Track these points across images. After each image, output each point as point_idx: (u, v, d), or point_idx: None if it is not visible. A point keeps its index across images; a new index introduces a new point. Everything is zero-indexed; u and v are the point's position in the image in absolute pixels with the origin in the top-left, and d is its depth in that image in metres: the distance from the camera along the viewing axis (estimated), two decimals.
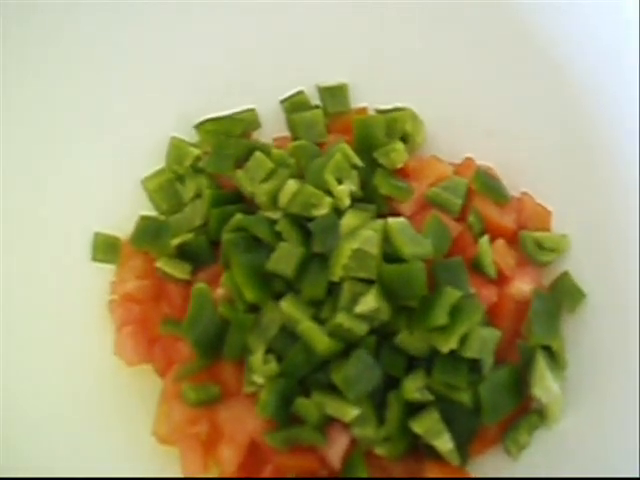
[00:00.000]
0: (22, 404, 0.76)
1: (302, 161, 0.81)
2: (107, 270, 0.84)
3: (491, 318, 0.76)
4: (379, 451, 0.73)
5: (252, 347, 0.75)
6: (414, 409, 0.73)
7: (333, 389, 0.73)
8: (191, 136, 0.88)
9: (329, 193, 0.77)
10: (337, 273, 0.73)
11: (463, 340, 0.71)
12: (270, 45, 0.90)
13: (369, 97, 0.89)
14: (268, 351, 0.75)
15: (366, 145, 0.82)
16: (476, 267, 0.77)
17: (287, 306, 0.74)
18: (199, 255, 0.82)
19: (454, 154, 0.85)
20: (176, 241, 0.81)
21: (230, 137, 0.86)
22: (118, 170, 0.86)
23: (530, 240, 0.79)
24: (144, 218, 0.85)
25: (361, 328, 0.72)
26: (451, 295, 0.71)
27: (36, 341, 0.79)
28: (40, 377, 0.78)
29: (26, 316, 0.79)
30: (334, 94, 0.89)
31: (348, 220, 0.75)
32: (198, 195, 0.84)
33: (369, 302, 0.71)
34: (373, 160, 0.82)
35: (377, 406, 0.73)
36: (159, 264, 0.81)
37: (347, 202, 0.77)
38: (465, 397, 0.72)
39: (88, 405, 0.79)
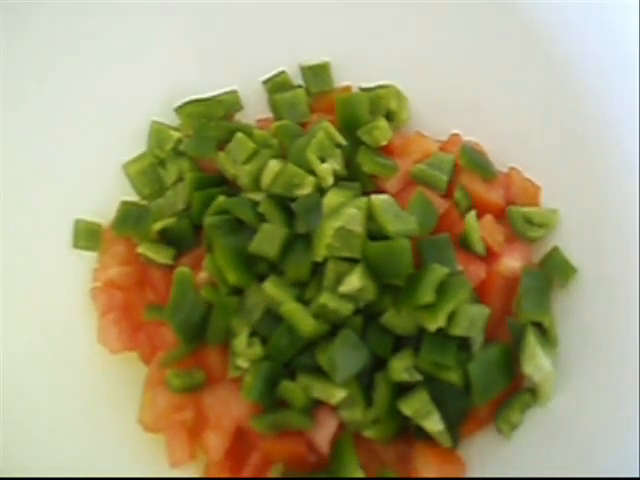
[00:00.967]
0: (6, 393, 0.74)
1: (285, 141, 0.80)
2: (89, 257, 0.83)
3: (480, 295, 0.74)
4: (368, 434, 0.72)
5: (236, 331, 0.74)
6: (403, 390, 0.72)
7: (319, 371, 0.72)
8: (172, 119, 0.87)
9: (312, 173, 0.75)
10: (321, 253, 0.71)
11: (451, 318, 0.70)
12: (252, 26, 0.88)
13: (353, 75, 0.87)
14: (252, 334, 0.74)
15: (350, 123, 0.81)
16: (464, 244, 0.75)
17: (270, 288, 0.72)
18: (182, 239, 0.80)
19: (440, 131, 0.84)
20: (158, 226, 0.80)
21: (211, 119, 0.85)
22: (99, 155, 0.85)
23: (519, 216, 0.78)
24: (125, 203, 0.83)
25: (346, 308, 0.70)
26: (437, 272, 0.70)
27: (18, 329, 0.78)
28: (23, 366, 0.77)
29: (7, 304, 0.78)
30: (317, 73, 0.88)
31: (331, 199, 0.73)
32: (180, 179, 0.83)
33: (353, 282, 0.70)
34: (357, 138, 0.80)
35: (365, 388, 0.72)
36: (141, 249, 0.80)
37: (330, 181, 0.76)
38: (454, 377, 0.71)
39: (73, 393, 0.78)
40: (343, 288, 0.70)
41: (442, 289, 0.70)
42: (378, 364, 0.72)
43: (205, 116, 0.85)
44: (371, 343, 0.72)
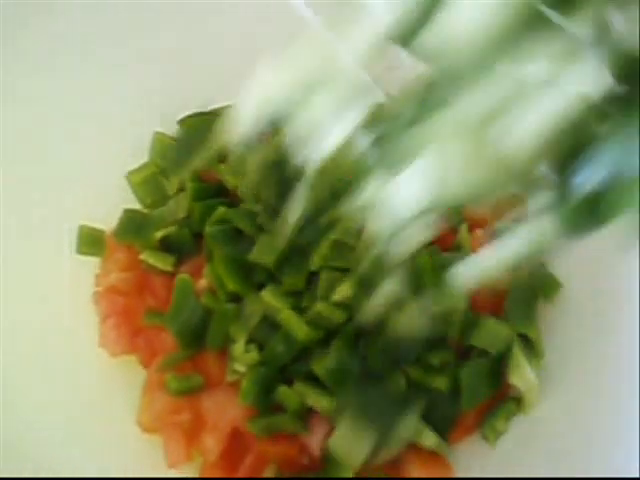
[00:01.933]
0: (6, 393, 0.77)
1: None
2: (92, 263, 0.85)
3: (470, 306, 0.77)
4: None
5: (234, 336, 0.76)
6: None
7: (315, 379, 0.74)
8: (175, 131, 0.90)
9: None
10: (316, 263, 0.74)
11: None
12: (256, 43, 0.91)
13: None
14: (250, 340, 0.76)
15: None
16: None
17: (268, 296, 0.75)
18: (182, 247, 0.83)
19: None
20: (160, 234, 0.83)
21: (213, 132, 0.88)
22: (103, 165, 0.87)
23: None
24: (128, 211, 0.86)
25: (340, 316, 0.73)
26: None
27: (21, 332, 0.80)
28: (25, 368, 0.79)
29: (11, 308, 0.80)
30: None
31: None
32: (182, 189, 0.86)
33: (344, 290, 0.73)
34: None
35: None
36: (143, 256, 0.82)
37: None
38: (442, 383, 0.74)
39: (74, 395, 0.80)
40: (335, 297, 0.73)
41: None
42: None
43: (207, 129, 0.88)
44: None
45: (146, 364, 0.81)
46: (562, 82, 0.45)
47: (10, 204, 0.83)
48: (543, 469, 0.74)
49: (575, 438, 0.74)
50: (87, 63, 0.88)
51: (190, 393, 0.77)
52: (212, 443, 0.75)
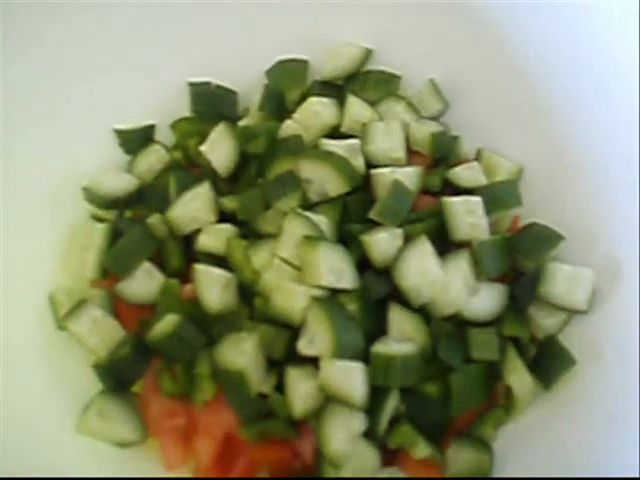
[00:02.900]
0: (6, 394, 0.77)
1: None
2: None
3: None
4: None
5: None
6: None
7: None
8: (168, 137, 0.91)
9: None
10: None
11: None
12: (255, 44, 0.93)
13: None
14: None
15: None
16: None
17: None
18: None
19: None
20: None
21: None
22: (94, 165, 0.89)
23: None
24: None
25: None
26: None
27: (19, 330, 0.81)
28: (24, 367, 0.80)
29: (8, 305, 0.81)
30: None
31: None
32: None
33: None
34: None
35: None
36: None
37: None
38: (433, 389, 0.74)
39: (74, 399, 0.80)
40: None
41: None
42: None
43: (198, 132, 0.88)
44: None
45: None
46: None
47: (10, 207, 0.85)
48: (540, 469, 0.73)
49: (574, 438, 0.73)
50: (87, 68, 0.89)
51: (184, 397, 0.78)
52: (205, 447, 0.76)
